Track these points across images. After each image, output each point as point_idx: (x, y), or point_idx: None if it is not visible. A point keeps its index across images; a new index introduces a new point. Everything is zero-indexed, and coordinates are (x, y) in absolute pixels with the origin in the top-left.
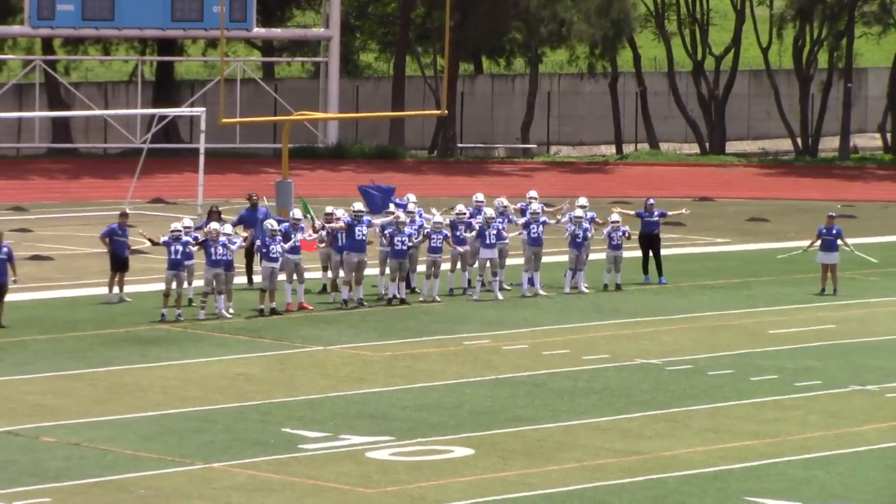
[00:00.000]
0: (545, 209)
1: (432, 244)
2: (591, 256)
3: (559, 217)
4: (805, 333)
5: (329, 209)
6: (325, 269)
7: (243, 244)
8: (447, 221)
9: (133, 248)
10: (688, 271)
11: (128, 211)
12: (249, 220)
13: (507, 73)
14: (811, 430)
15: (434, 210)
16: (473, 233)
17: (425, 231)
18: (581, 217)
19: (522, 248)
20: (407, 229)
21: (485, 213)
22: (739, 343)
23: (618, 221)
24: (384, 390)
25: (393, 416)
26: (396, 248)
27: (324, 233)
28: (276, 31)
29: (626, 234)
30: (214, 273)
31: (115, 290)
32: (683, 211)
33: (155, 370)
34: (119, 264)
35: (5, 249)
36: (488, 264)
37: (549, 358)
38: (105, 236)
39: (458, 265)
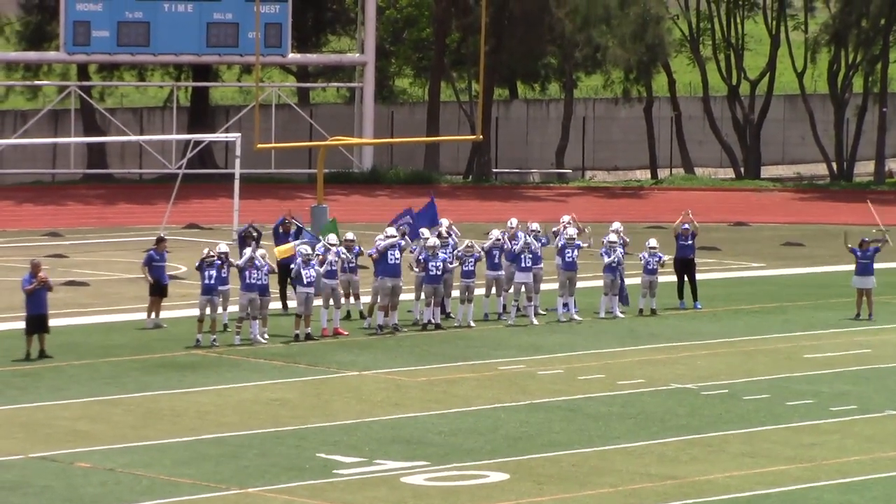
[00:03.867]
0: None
1: (465, 269)
2: (627, 281)
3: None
4: (841, 358)
5: (350, 235)
6: (346, 295)
7: (274, 270)
8: (486, 247)
9: (171, 273)
10: (723, 296)
11: (164, 236)
12: (282, 244)
13: (541, 98)
14: (847, 454)
15: (448, 232)
16: (517, 246)
17: (457, 254)
18: (615, 242)
19: (557, 273)
20: (441, 254)
21: (521, 238)
22: (775, 367)
23: (655, 247)
24: (419, 415)
25: (428, 442)
26: (431, 273)
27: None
28: (312, 57)
29: (661, 261)
30: (249, 298)
31: (153, 315)
32: (689, 214)
33: (190, 395)
34: (158, 290)
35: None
36: (523, 289)
37: (585, 383)
38: (145, 264)
39: (493, 290)
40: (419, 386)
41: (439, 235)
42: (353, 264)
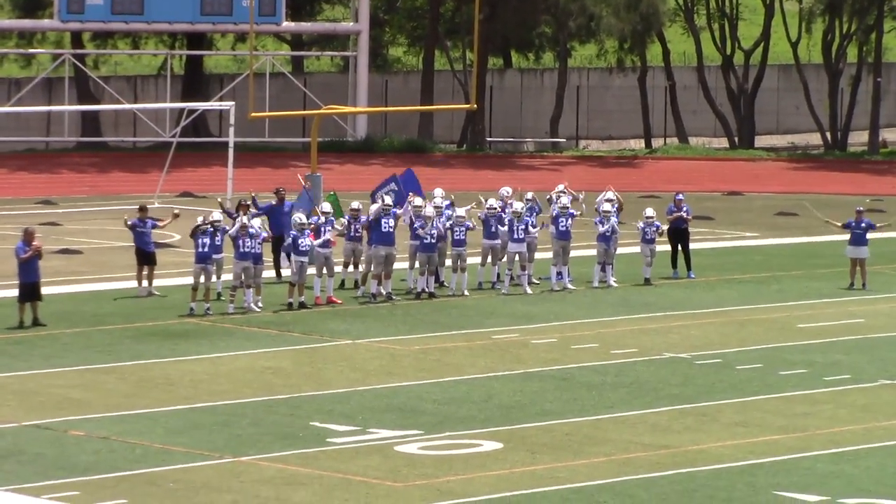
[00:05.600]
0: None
1: (455, 237)
2: (619, 250)
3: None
4: (834, 328)
5: (355, 204)
6: (346, 264)
7: (268, 238)
8: (481, 216)
9: (160, 241)
10: (716, 265)
11: (147, 205)
12: (275, 213)
13: (536, 68)
14: (840, 424)
15: (445, 202)
16: (504, 228)
17: (448, 223)
18: (609, 211)
19: (551, 242)
20: (435, 222)
21: (513, 207)
22: (768, 337)
23: (652, 217)
24: (413, 384)
25: (421, 410)
26: (425, 241)
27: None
28: (306, 26)
29: (659, 230)
30: (243, 266)
31: (144, 283)
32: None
33: (184, 364)
34: (144, 258)
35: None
36: (517, 258)
37: (578, 352)
38: (129, 226)
39: (489, 259)
40: (412, 355)
41: (434, 205)
42: (358, 233)
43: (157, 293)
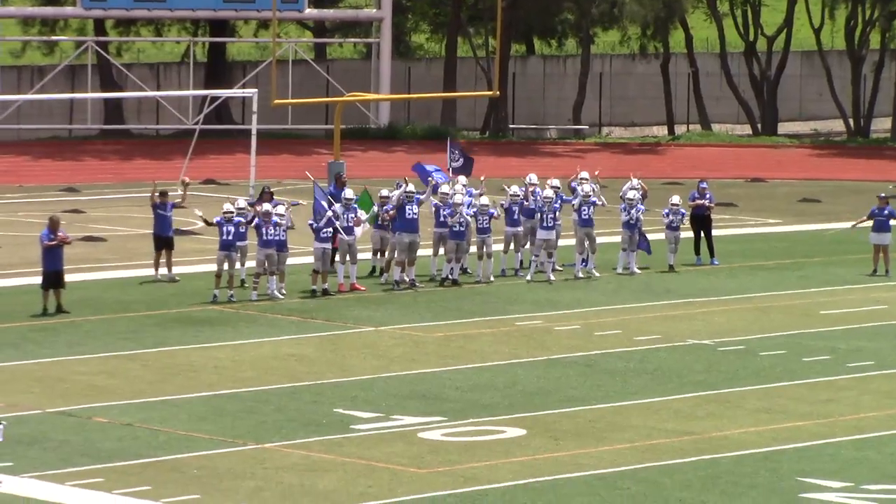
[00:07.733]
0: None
1: (480, 225)
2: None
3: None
4: (857, 314)
5: (384, 192)
6: (375, 252)
7: (290, 225)
8: (503, 204)
9: (183, 229)
10: (739, 252)
11: (168, 191)
12: (338, 197)
13: (558, 54)
14: (863, 410)
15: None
16: (535, 217)
17: (472, 212)
18: (634, 199)
19: (574, 230)
20: (464, 210)
21: (541, 194)
22: (791, 324)
23: (677, 204)
24: (436, 371)
25: (445, 397)
26: (455, 229)
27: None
28: (328, 12)
29: (683, 217)
30: (267, 254)
31: (164, 270)
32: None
33: (207, 351)
34: (162, 243)
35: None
36: (544, 245)
37: (602, 338)
38: (152, 205)
39: (511, 246)
40: (436, 341)
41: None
42: (386, 222)
43: (177, 279)
